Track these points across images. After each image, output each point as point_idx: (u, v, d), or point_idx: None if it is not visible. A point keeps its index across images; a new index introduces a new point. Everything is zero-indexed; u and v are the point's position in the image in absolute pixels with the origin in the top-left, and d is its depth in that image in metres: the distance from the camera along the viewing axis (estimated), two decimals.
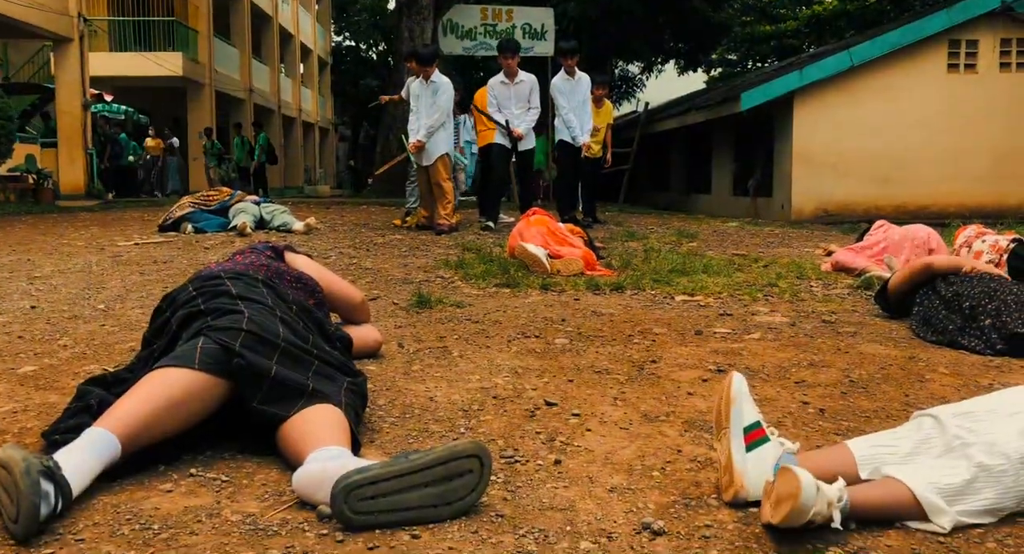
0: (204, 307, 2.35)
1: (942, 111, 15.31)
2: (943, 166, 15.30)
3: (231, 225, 8.61)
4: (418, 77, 8.87)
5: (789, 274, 5.60)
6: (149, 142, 22.07)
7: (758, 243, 8.17)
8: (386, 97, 10.85)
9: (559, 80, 9.33)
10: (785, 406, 2.62)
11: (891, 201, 15.73)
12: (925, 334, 3.66)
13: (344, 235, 8.42)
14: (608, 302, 4.51)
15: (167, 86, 26.90)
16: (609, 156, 10.91)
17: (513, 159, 9.42)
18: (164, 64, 24.85)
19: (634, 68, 31.60)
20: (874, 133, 15.60)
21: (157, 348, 2.39)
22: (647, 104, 25.27)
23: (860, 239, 6.16)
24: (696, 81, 35.71)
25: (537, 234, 5.92)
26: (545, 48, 20.95)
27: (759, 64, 36.29)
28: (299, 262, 3.10)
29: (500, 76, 9.06)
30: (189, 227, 8.58)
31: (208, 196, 9.07)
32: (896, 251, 5.58)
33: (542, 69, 22.52)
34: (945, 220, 13.35)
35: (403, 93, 9.91)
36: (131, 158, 23.03)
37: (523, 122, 9.03)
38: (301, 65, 42.73)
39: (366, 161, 32.76)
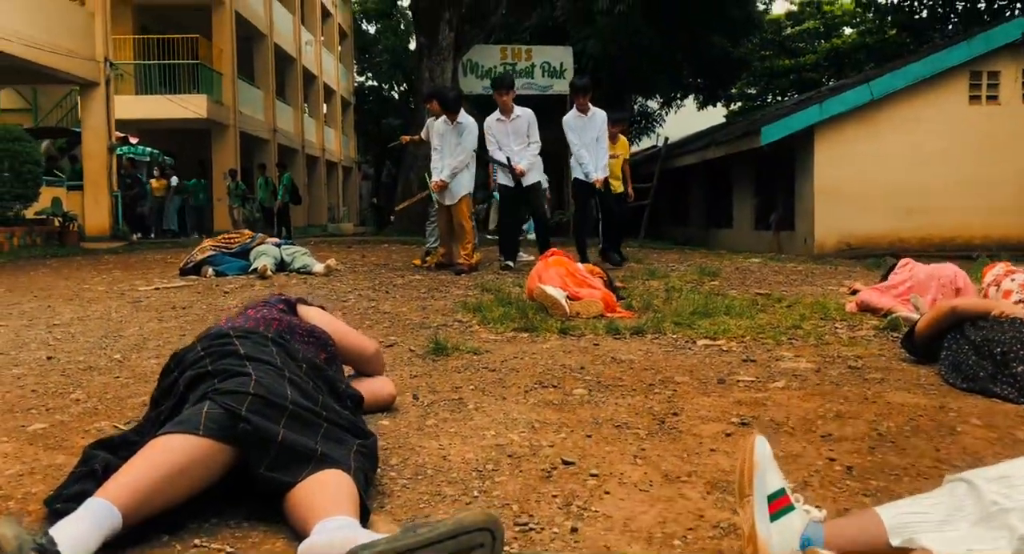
0: (211, 368, 2.30)
1: (965, 142, 15.20)
2: (967, 198, 15.17)
3: (252, 268, 8.62)
4: (440, 117, 8.99)
5: (813, 315, 5.50)
6: (154, 183, 22.28)
7: (781, 281, 8.06)
8: (406, 138, 10.87)
9: (571, 117, 9.23)
10: (811, 463, 2.53)
11: (915, 233, 15.57)
12: (955, 381, 3.55)
13: (364, 276, 8.40)
14: (628, 347, 4.43)
15: (192, 128, 27.23)
16: (631, 189, 10.95)
17: (525, 196, 9.36)
18: (188, 106, 25.16)
19: (653, 104, 31.62)
20: (896, 166, 15.51)
21: (164, 409, 2.35)
22: (667, 139, 25.29)
23: (885, 277, 6.06)
24: (716, 115, 35.66)
25: (556, 275, 5.86)
26: (564, 86, 21.03)
27: (779, 97, 36.30)
28: (312, 315, 3.05)
29: (496, 114, 8.99)
30: (210, 271, 8.59)
31: (229, 239, 9.10)
32: (922, 290, 5.48)
33: (561, 107, 22.71)
34: (971, 253, 13.19)
35: (423, 134, 9.99)
36: (200, 196, 23.43)
37: (523, 157, 8.92)
38: (325, 105, 43.20)
39: (388, 199, 32.91)
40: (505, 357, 4.16)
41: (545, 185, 11.27)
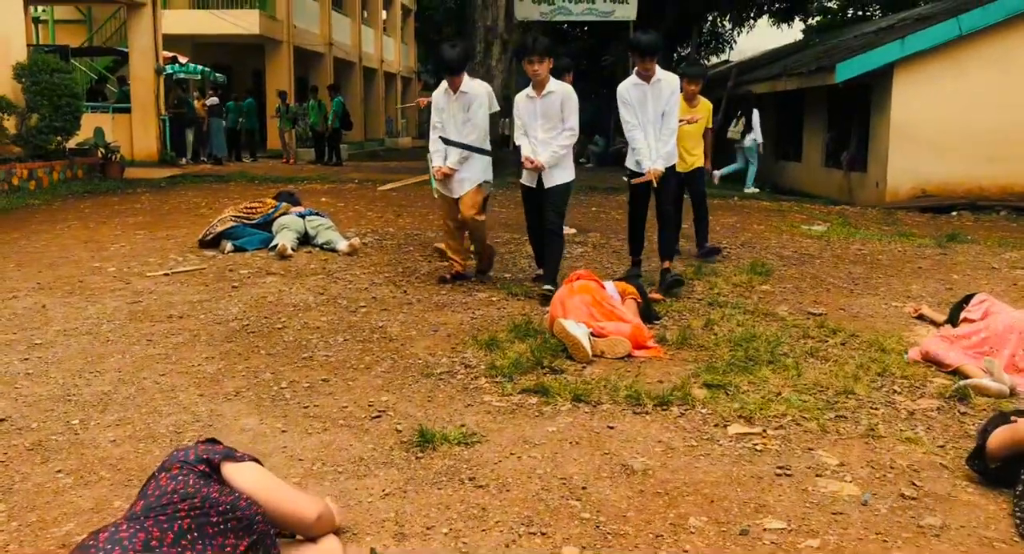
0: None
1: None
2: None
3: (272, 243, 8.14)
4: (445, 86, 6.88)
5: (870, 368, 4.82)
6: (197, 104, 21.76)
7: (841, 282, 7.32)
8: (423, 99, 8.30)
9: (627, 86, 6.75)
10: None
11: (996, 182, 14.52)
12: None
13: (387, 262, 7.85)
14: (647, 434, 3.84)
15: (246, 43, 26.60)
16: (709, 164, 8.74)
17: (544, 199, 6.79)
18: (240, 22, 24.50)
19: (725, 24, 29.95)
20: (981, 108, 14.40)
21: None
22: (735, 64, 23.93)
23: (954, 318, 5.33)
24: (792, 33, 33.64)
25: (580, 304, 5.25)
26: (627, 11, 19.88)
27: (861, 12, 34.15)
28: (240, 478, 2.53)
29: (528, 89, 6.72)
30: (228, 246, 8.14)
31: (251, 208, 8.60)
32: (999, 344, 4.75)
33: (621, 36, 21.39)
34: None
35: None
36: (240, 121, 22.87)
37: (548, 148, 6.56)
38: (384, 13, 42.01)
39: None
40: (500, 452, 3.61)
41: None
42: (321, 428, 3.89)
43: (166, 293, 6.50)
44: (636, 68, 6.74)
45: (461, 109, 6.77)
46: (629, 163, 6.98)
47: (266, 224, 8.49)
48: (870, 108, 15.60)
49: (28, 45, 19.43)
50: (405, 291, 6.62)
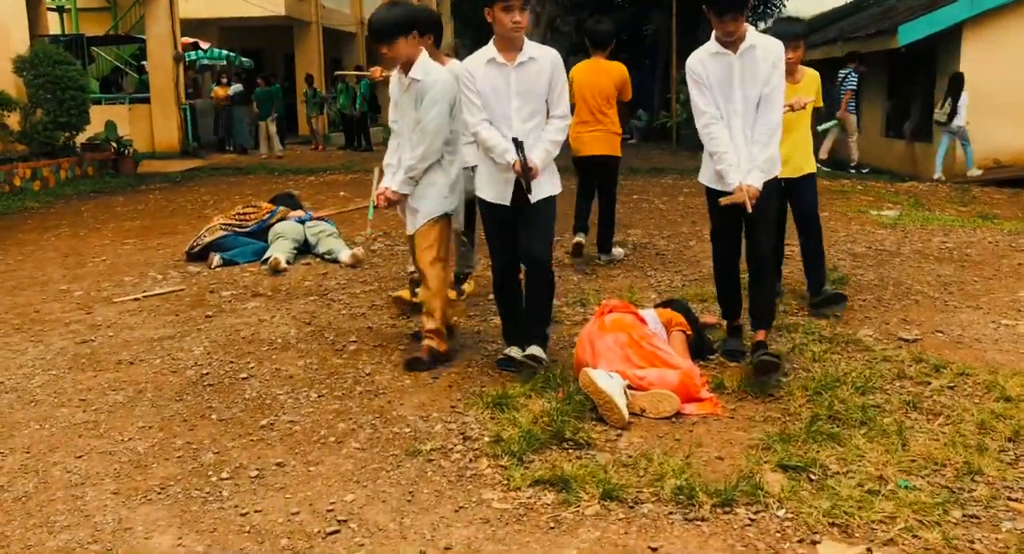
0: None
1: None
2: None
3: (265, 256, 7.13)
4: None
5: (996, 428, 3.65)
6: (217, 90, 20.72)
7: (930, 287, 6.10)
8: (378, 70, 5.78)
9: (701, 58, 4.33)
10: None
11: None
12: None
13: (393, 276, 6.77)
14: None
15: (274, 25, 25.63)
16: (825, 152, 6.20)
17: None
18: (264, 3, 23.51)
19: None
20: None
21: None
22: None
23: None
24: None
25: (614, 346, 4.14)
26: None
27: None
28: None
29: (491, 52, 4.29)
30: (216, 259, 7.15)
31: (244, 215, 7.58)
32: None
33: (663, 2, 19.82)
34: None
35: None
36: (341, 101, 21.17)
37: (537, 143, 4.31)
38: None
39: None
40: None
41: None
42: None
43: (126, 327, 5.51)
44: (714, 32, 4.22)
45: (412, 104, 4.50)
46: (704, 176, 4.50)
47: (261, 232, 7.48)
48: (935, 73, 14.21)
49: (46, 35, 18.77)
50: (408, 316, 5.55)
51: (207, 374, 4.59)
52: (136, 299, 6.20)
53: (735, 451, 3.51)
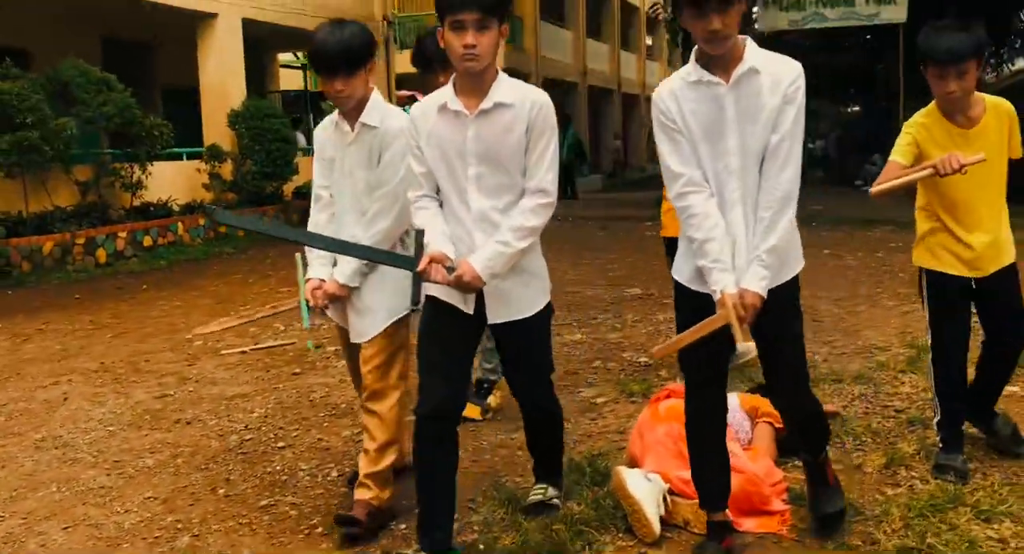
0: None
1: None
2: None
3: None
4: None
5: None
6: None
7: None
8: (404, 95, 4.78)
9: (674, 89, 2.74)
10: None
11: None
12: None
13: None
14: None
15: None
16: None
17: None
18: None
19: None
20: None
21: None
22: None
23: None
24: None
25: (665, 439, 3.43)
26: (895, 13, 17.07)
27: None
28: None
29: (444, 91, 2.90)
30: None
31: None
32: None
33: (891, 41, 18.26)
34: None
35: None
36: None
37: (494, 241, 2.85)
38: (649, 38, 40.60)
39: None
40: None
41: None
42: None
43: (211, 382, 5.41)
44: (694, 51, 2.73)
45: (362, 160, 3.26)
46: (680, 270, 2.89)
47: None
48: None
49: (276, 91, 20.12)
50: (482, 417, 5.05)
51: (249, 441, 4.32)
52: (243, 352, 6.13)
53: None
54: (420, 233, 2.84)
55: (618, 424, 4.31)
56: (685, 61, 2.79)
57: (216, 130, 14.26)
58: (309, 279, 3.29)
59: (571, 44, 30.85)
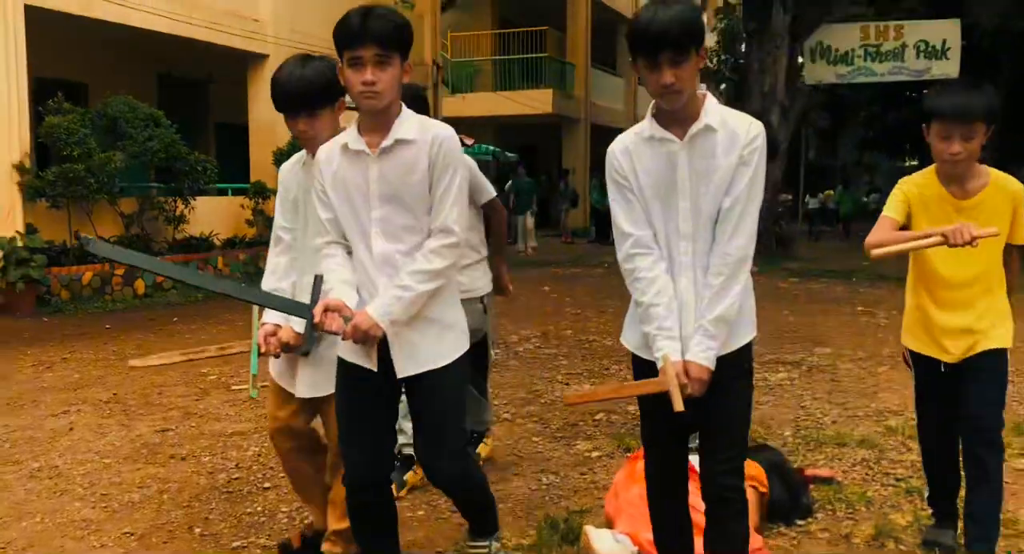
0: None
1: None
2: None
3: None
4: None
5: None
6: None
7: None
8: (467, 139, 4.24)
9: (627, 145, 2.64)
10: None
11: None
12: None
13: (513, 383, 6.26)
14: None
15: (546, 123, 26.38)
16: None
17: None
18: (532, 102, 24.27)
19: None
20: None
21: None
22: None
23: None
24: None
25: (638, 501, 3.29)
26: (947, 68, 16.88)
27: None
28: None
29: (347, 133, 2.75)
30: None
31: None
32: None
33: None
34: None
35: None
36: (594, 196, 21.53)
37: (393, 287, 2.68)
38: (702, 86, 40.59)
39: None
40: None
41: None
42: None
43: (214, 417, 5.44)
44: (651, 107, 2.61)
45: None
46: (627, 339, 2.77)
47: None
48: None
49: None
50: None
51: (236, 479, 4.33)
52: (253, 389, 6.16)
53: None
54: (318, 279, 2.73)
55: (608, 480, 4.23)
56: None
57: (262, 167, 14.54)
58: (264, 323, 3.02)
59: (622, 91, 31.00)
